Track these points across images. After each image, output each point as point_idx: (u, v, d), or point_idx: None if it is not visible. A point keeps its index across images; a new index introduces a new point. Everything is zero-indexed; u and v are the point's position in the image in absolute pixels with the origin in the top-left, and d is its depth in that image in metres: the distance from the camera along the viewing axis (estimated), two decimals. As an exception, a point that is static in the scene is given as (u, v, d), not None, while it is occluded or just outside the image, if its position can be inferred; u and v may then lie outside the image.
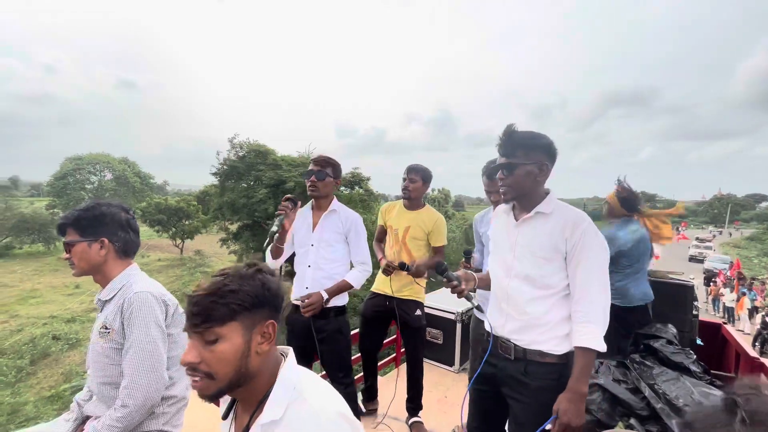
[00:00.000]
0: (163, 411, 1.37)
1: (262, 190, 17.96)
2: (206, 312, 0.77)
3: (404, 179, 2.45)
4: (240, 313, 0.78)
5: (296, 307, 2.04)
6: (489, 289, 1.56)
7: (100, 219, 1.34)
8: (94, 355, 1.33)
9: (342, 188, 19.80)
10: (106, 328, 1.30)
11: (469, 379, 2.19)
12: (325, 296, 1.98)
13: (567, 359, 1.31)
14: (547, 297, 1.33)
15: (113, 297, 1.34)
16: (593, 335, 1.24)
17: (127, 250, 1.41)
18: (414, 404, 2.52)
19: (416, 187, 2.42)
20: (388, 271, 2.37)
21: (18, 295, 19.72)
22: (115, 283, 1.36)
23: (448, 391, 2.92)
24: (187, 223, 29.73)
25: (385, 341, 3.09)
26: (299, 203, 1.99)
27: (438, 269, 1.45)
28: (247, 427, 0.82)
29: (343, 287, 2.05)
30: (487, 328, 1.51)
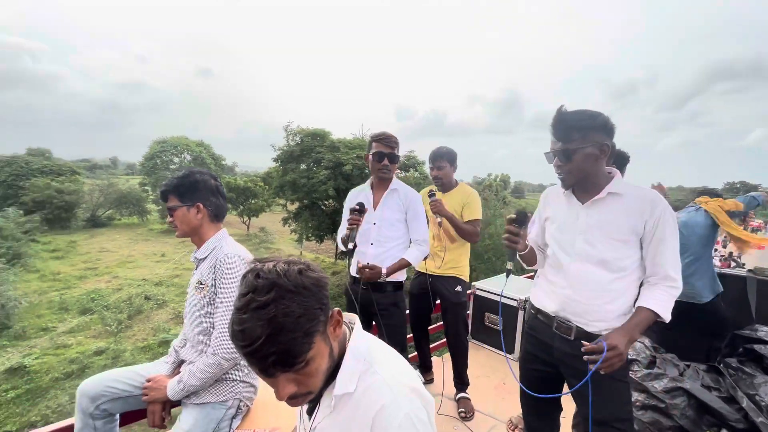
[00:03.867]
0: (245, 363, 1.50)
1: (323, 172, 18.62)
2: (288, 354, 0.67)
3: (431, 168, 2.50)
4: (319, 330, 0.72)
5: (355, 278, 2.12)
6: (529, 264, 1.51)
7: (194, 185, 1.48)
8: (190, 307, 1.50)
9: (397, 171, 19.84)
10: (201, 284, 1.45)
11: (520, 359, 2.13)
12: (384, 272, 2.02)
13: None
14: (620, 280, 1.29)
15: (207, 256, 1.49)
16: (664, 304, 1.23)
17: (218, 214, 1.54)
18: (460, 380, 2.56)
19: (446, 172, 2.48)
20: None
21: (118, 260, 22.95)
22: (209, 243, 1.50)
23: (507, 378, 2.85)
24: (253, 202, 32.06)
25: (435, 325, 3.13)
26: (366, 209, 1.99)
27: (519, 217, 1.40)
28: (318, 396, 0.82)
29: (403, 265, 2.09)
30: (540, 306, 1.47)
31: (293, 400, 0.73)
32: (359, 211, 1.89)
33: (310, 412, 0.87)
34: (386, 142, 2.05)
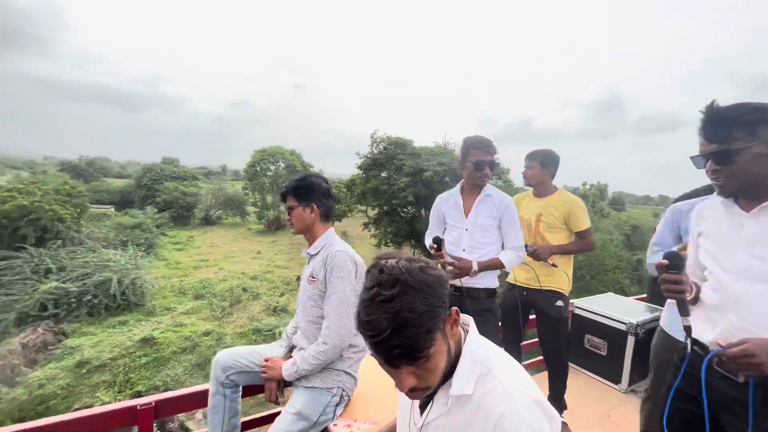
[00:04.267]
0: (349, 356, 1.61)
1: (403, 179, 19.00)
2: (412, 348, 0.69)
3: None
4: (439, 327, 0.74)
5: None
6: (694, 304, 1.27)
7: (310, 187, 1.64)
8: (302, 298, 1.66)
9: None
10: (313, 277, 1.60)
11: (645, 400, 1.85)
12: (475, 267, 1.94)
13: None
14: None
15: (318, 252, 1.63)
16: None
17: (328, 214, 1.69)
18: (558, 402, 2.35)
19: (534, 173, 2.36)
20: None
21: (223, 254, 26.27)
22: (320, 241, 1.65)
23: (613, 411, 2.54)
24: (337, 207, 34.11)
25: (528, 342, 2.92)
26: (444, 240, 1.99)
27: (672, 261, 1.14)
28: (432, 395, 0.83)
29: (495, 265, 2.00)
30: (696, 336, 1.21)
31: (412, 393, 0.76)
32: (438, 247, 1.94)
33: (422, 408, 0.88)
34: (487, 149, 2.01)
